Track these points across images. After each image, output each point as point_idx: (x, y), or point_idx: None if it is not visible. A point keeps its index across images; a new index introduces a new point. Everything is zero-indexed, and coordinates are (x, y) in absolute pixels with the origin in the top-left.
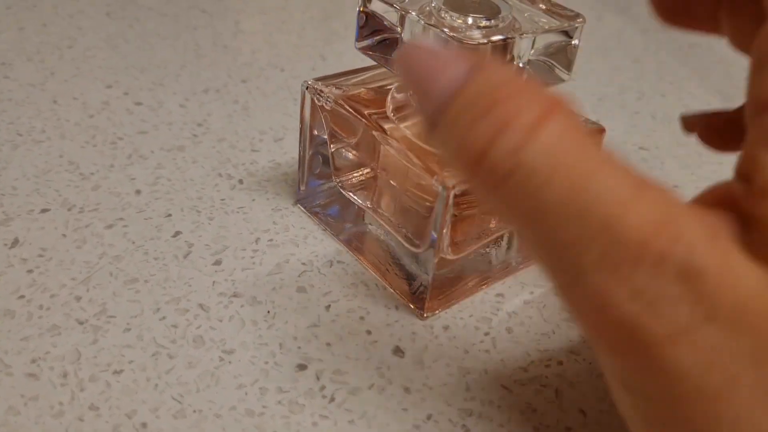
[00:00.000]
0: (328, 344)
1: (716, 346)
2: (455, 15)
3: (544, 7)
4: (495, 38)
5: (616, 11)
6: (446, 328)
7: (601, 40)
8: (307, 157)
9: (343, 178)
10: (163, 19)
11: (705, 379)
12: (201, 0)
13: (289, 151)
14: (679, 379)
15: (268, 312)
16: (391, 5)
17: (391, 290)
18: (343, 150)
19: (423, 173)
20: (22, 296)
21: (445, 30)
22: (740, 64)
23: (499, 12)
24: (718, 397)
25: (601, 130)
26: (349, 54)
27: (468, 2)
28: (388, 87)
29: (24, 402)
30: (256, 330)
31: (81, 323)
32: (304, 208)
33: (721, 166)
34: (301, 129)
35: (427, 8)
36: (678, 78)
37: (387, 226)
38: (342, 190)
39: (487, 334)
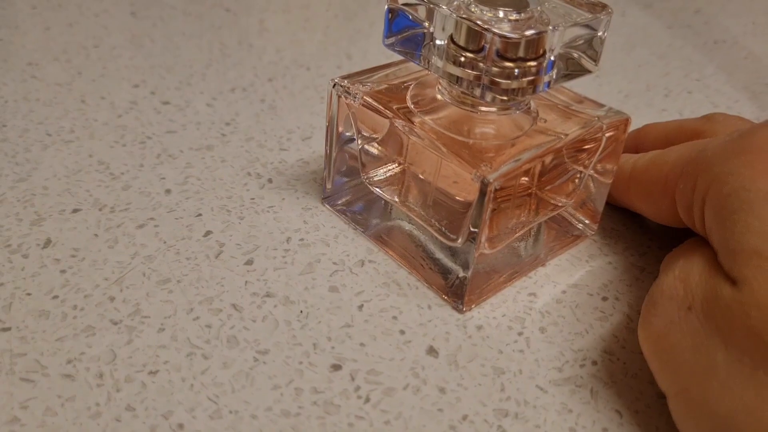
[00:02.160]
0: (362, 344)
1: (696, 330)
2: (485, 8)
3: None
4: (529, 32)
5: (641, 6)
6: (480, 327)
7: (625, 36)
8: (333, 155)
9: (370, 174)
10: (187, 18)
11: (696, 359)
12: None
13: (317, 150)
14: (680, 362)
15: (301, 312)
16: (420, 0)
17: (426, 285)
18: (369, 146)
19: (461, 167)
20: (56, 296)
21: (478, 23)
22: (767, 61)
23: (527, 5)
24: (707, 375)
25: (627, 120)
26: (373, 51)
27: None
28: (411, 83)
29: (61, 403)
30: (289, 330)
31: (115, 323)
32: (330, 206)
33: None
34: (327, 127)
35: (456, 2)
36: (704, 75)
37: (419, 220)
38: (370, 186)
39: (520, 333)
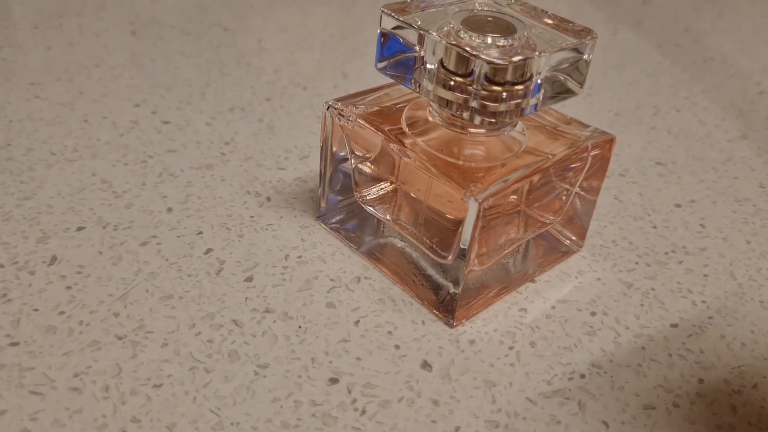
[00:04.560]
0: (358, 358)
1: None
2: (474, 35)
3: (551, 22)
4: (516, 58)
5: (631, 26)
6: (472, 342)
7: (616, 55)
8: (327, 174)
9: (363, 193)
10: (186, 38)
11: None
12: (223, 18)
13: (314, 169)
14: None
15: (300, 327)
16: (411, 26)
17: (418, 301)
18: (362, 166)
19: (451, 187)
20: (63, 312)
21: (467, 49)
22: (754, 78)
23: (514, 31)
24: None
25: (611, 140)
26: (369, 71)
27: (484, 22)
28: (402, 105)
29: (69, 415)
30: (288, 345)
31: (120, 338)
32: (324, 224)
33: (737, 181)
34: (322, 147)
35: (446, 28)
36: (692, 93)
37: (411, 238)
38: (363, 205)
39: (511, 348)
